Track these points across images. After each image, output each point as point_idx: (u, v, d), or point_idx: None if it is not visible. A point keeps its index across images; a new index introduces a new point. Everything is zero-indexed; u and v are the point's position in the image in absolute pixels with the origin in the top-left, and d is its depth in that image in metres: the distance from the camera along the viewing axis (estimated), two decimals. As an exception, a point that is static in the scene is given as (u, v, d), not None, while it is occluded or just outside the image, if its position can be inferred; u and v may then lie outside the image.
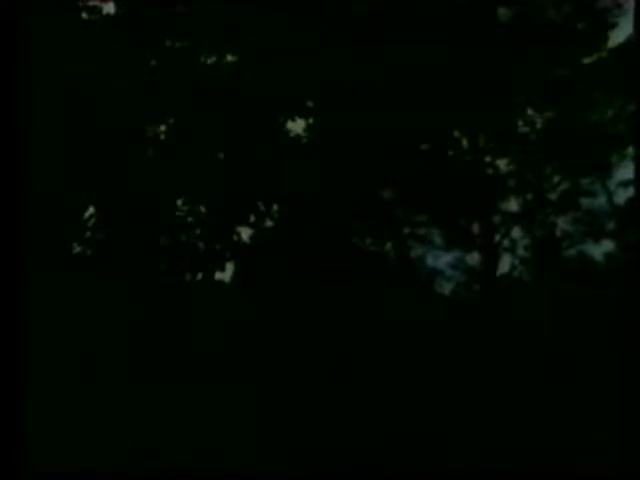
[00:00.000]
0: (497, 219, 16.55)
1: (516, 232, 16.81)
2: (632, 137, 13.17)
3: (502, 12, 10.57)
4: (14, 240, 3.63)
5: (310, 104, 7.87)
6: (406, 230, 13.60)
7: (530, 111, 14.30)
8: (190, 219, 7.85)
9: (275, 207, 8.00)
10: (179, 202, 7.83)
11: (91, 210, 7.55)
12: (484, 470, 6.18)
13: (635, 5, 9.40)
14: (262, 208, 7.84)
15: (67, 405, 5.64)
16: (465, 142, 13.39)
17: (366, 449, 6.45)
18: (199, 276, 7.75)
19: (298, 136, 8.12)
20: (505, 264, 17.07)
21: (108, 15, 7.16)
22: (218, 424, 6.33)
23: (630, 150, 11.56)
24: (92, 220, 7.51)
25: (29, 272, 3.73)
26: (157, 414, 6.08)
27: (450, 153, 9.00)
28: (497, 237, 16.96)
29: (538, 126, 14.79)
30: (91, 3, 7.19)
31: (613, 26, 13.52)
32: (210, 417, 6.36)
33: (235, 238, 7.81)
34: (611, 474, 5.25)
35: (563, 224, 16.75)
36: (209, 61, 7.61)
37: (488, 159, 14.80)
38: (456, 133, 9.30)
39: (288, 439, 6.38)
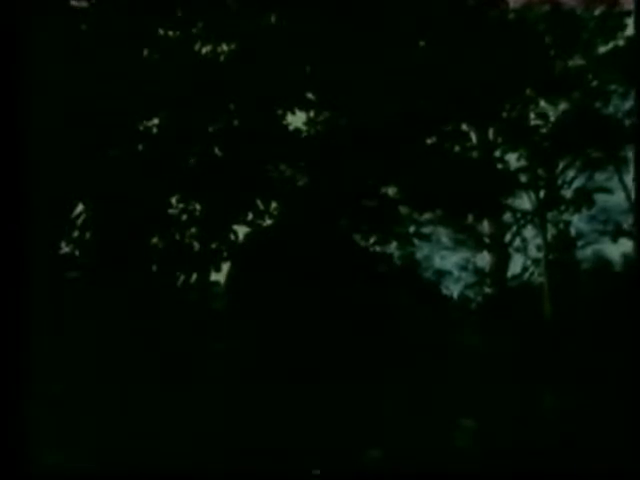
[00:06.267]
0: (508, 217, 16.66)
1: (528, 231, 16.93)
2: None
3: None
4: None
5: (311, 96, 7.92)
6: (411, 229, 13.68)
7: (542, 103, 14.38)
8: (184, 217, 7.90)
9: (274, 204, 8.06)
10: (172, 199, 7.87)
11: (80, 208, 7.58)
12: (485, 471, 6.29)
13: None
14: (260, 206, 7.89)
15: (60, 405, 5.74)
16: (473, 136, 13.48)
17: (367, 450, 6.55)
18: (193, 277, 7.79)
19: (298, 130, 8.17)
20: (516, 264, 17.16)
21: (98, 2, 7.21)
22: (216, 426, 6.42)
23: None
24: (81, 219, 7.53)
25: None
26: (152, 416, 6.17)
27: (457, 148, 9.03)
28: (508, 236, 17.08)
29: (551, 119, 14.89)
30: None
31: (630, 13, 13.59)
32: (207, 419, 6.45)
33: (232, 237, 7.86)
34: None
35: (578, 222, 16.87)
36: (204, 51, 7.66)
37: (498, 154, 14.89)
38: (464, 127, 9.34)
39: (288, 442, 6.47)
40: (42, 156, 6.01)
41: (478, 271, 17.47)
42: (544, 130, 14.92)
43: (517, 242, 16.74)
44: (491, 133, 15.43)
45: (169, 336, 6.87)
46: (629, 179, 15.22)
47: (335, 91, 7.84)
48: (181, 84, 7.18)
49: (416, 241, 14.34)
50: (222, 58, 7.67)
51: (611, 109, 15.12)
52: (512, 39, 8.49)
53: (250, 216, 7.92)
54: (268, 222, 8.07)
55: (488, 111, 9.98)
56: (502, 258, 16.59)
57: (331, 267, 8.18)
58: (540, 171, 15.86)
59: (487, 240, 17.02)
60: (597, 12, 14.47)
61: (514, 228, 16.61)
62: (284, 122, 7.92)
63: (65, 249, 7.46)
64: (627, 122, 14.78)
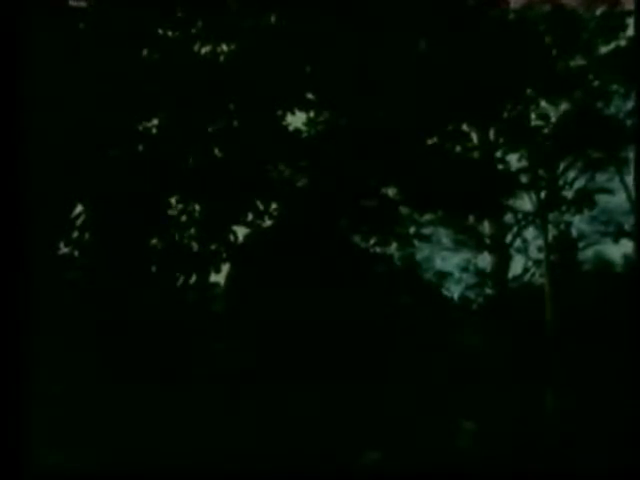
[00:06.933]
0: (509, 218, 16.67)
1: (529, 232, 16.95)
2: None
3: (514, -1, 10.65)
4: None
5: (311, 96, 7.94)
6: (412, 230, 13.70)
7: (543, 103, 14.40)
8: (183, 218, 7.92)
9: (274, 205, 8.07)
10: (172, 200, 7.89)
11: (79, 209, 7.59)
12: (485, 472, 6.32)
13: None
14: (260, 206, 7.90)
15: (60, 405, 5.77)
16: (474, 136, 13.50)
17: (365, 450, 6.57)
18: (193, 278, 7.80)
19: (298, 130, 8.19)
20: (517, 266, 17.17)
21: (98, 2, 7.23)
22: (216, 426, 6.45)
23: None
24: (80, 219, 7.55)
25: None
26: (152, 416, 6.19)
27: (458, 148, 9.06)
28: (509, 237, 17.09)
29: (552, 119, 14.91)
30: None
31: (631, 13, 13.61)
32: (207, 419, 6.48)
33: (231, 238, 7.87)
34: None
35: (579, 223, 16.88)
36: (204, 51, 7.68)
37: (499, 154, 14.91)
38: (465, 127, 9.37)
39: (287, 441, 6.49)
40: (42, 156, 6.04)
41: (479, 272, 17.49)
42: (545, 130, 14.94)
43: (518, 243, 16.76)
44: (492, 133, 15.45)
45: (169, 337, 6.89)
46: (630, 180, 15.24)
47: (335, 91, 7.85)
48: (181, 84, 7.20)
49: (416, 242, 14.39)
50: (222, 58, 7.69)
51: (612, 109, 15.15)
52: (513, 39, 8.52)
53: (250, 217, 7.93)
54: (268, 223, 8.09)
55: (489, 111, 10.00)
56: (503, 259, 16.61)
57: (331, 268, 8.20)
58: (541, 172, 15.88)
59: (488, 241, 17.03)
60: (598, 12, 14.49)
61: (515, 229, 16.63)
62: (284, 122, 7.93)
63: (64, 250, 7.48)
64: (628, 122, 14.80)
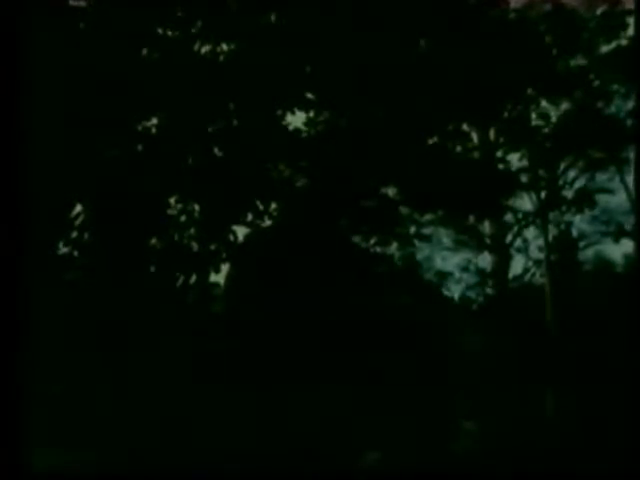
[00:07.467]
0: (509, 218, 16.67)
1: (529, 232, 16.94)
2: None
3: (514, -1, 10.64)
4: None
5: (311, 96, 7.95)
6: (412, 230, 13.70)
7: (544, 103, 14.39)
8: (183, 218, 7.92)
9: (274, 205, 8.07)
10: (171, 200, 7.90)
11: (78, 209, 7.60)
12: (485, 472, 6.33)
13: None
14: (260, 206, 7.91)
15: (60, 405, 5.78)
16: (475, 136, 13.50)
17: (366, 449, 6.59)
18: (193, 278, 7.81)
19: (298, 130, 8.20)
20: (518, 265, 17.16)
21: (97, 2, 7.25)
22: (216, 426, 6.46)
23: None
24: (79, 219, 7.55)
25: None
26: (150, 416, 6.21)
27: (458, 148, 9.07)
28: (509, 237, 17.08)
29: (552, 119, 14.91)
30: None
31: (631, 12, 13.60)
32: (207, 419, 6.49)
33: (231, 238, 7.88)
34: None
35: (579, 223, 16.88)
36: (204, 50, 7.69)
37: (499, 154, 14.91)
38: (465, 127, 9.38)
39: (287, 441, 6.51)
40: (42, 156, 6.04)
41: (479, 272, 17.48)
42: (546, 130, 14.93)
43: (518, 243, 16.74)
44: (492, 133, 15.44)
45: (169, 337, 6.91)
46: (630, 180, 15.24)
47: (335, 91, 7.86)
48: (181, 84, 7.21)
49: (417, 242, 14.39)
50: (222, 58, 7.70)
51: (613, 109, 15.13)
52: (513, 39, 8.52)
53: (250, 217, 7.94)
54: (268, 223, 8.10)
55: (489, 111, 10.01)
56: (503, 259, 16.59)
57: (331, 268, 8.21)
58: (541, 172, 15.87)
59: (488, 241, 17.02)
60: (599, 11, 14.47)
61: (515, 229, 16.62)
62: (284, 122, 7.94)
63: (64, 250, 7.49)
64: (629, 122, 14.78)
